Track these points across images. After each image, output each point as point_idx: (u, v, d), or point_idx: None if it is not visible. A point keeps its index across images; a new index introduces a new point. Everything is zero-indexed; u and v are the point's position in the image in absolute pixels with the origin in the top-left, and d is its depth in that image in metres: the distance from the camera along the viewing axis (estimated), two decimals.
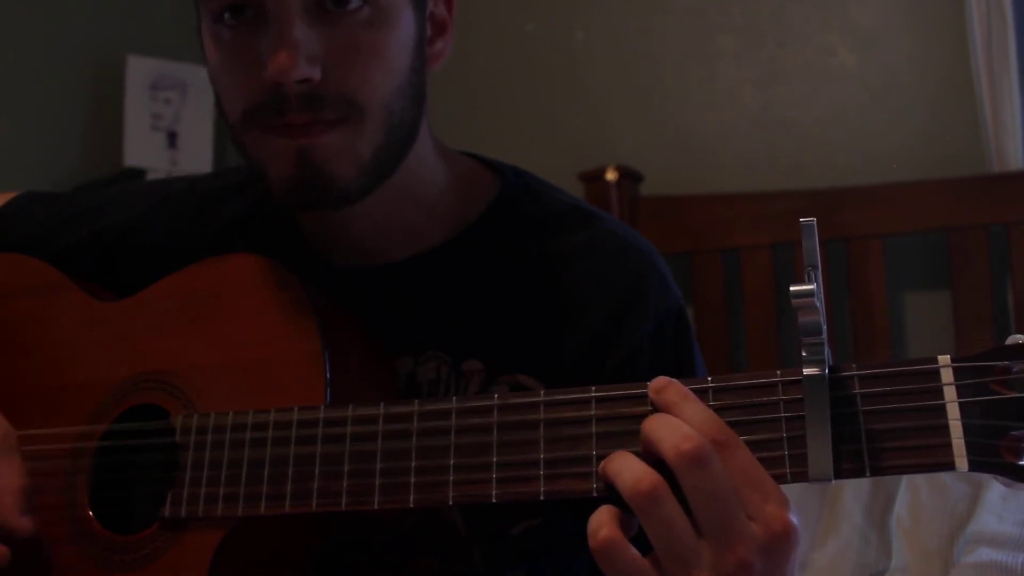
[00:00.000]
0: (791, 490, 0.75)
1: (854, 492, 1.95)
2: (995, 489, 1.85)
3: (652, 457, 0.73)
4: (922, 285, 2.36)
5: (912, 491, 1.91)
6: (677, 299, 1.06)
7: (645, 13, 2.64)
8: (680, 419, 0.73)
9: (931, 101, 2.38)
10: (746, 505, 0.72)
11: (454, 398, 0.84)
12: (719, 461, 0.71)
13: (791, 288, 0.70)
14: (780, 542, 0.72)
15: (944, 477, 1.91)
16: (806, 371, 0.73)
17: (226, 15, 0.93)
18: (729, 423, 0.74)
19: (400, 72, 0.95)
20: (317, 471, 0.86)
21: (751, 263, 2.39)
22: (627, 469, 0.73)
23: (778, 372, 0.75)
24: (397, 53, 0.95)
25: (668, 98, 2.62)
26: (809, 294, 0.70)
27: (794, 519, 0.73)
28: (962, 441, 0.69)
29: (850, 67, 2.46)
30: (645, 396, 0.77)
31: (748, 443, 0.74)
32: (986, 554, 1.75)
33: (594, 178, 2.48)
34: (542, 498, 0.79)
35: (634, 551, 0.72)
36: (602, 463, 0.75)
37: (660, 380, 0.76)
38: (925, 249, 2.33)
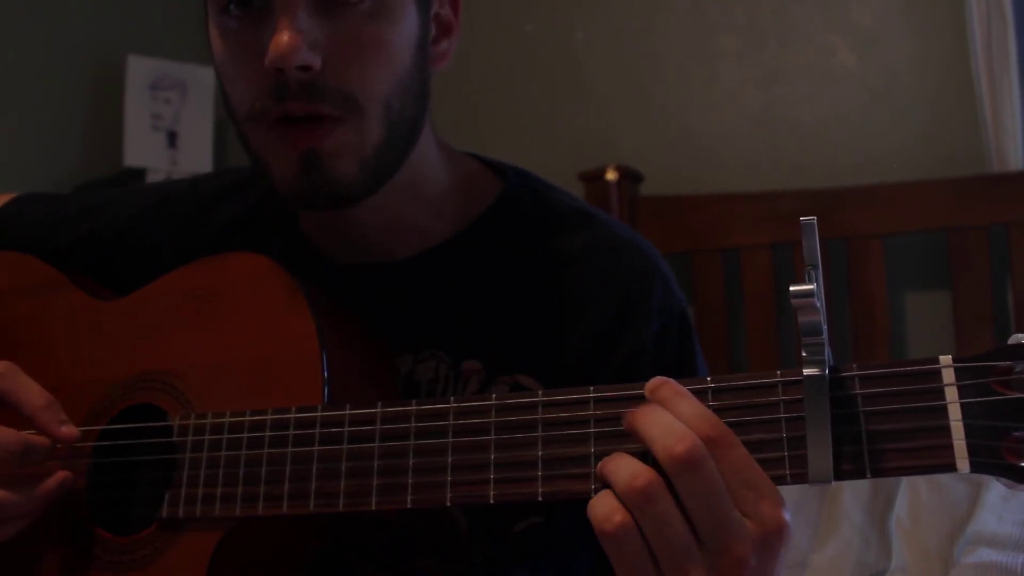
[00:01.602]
0: (791, 490, 0.75)
1: (854, 492, 1.95)
2: (995, 489, 1.85)
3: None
4: (922, 285, 2.36)
5: (912, 491, 1.91)
6: (680, 301, 1.06)
7: (646, 13, 2.64)
8: (673, 415, 0.73)
9: (931, 101, 2.38)
10: (741, 503, 0.72)
11: (452, 398, 0.84)
12: (712, 461, 0.71)
13: (791, 288, 0.70)
14: (773, 539, 0.72)
15: (944, 477, 1.91)
16: (806, 371, 0.73)
17: (232, 6, 0.94)
18: (728, 423, 0.74)
19: (401, 67, 0.95)
20: (314, 471, 0.86)
21: (751, 263, 2.39)
22: (623, 467, 0.73)
23: (778, 372, 0.75)
24: (398, 48, 0.95)
25: (669, 98, 2.61)
26: (809, 294, 0.70)
27: (787, 516, 0.73)
28: (963, 442, 0.69)
29: (851, 67, 2.46)
30: (644, 396, 0.76)
31: (747, 444, 0.74)
32: (986, 554, 1.75)
33: (594, 178, 2.48)
34: (540, 499, 0.78)
35: (643, 539, 0.72)
36: (599, 463, 0.75)
37: (656, 380, 0.76)
38: (925, 249, 2.33)
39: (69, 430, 0.95)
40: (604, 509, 0.72)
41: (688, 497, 0.71)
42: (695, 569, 0.71)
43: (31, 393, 0.95)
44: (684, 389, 0.75)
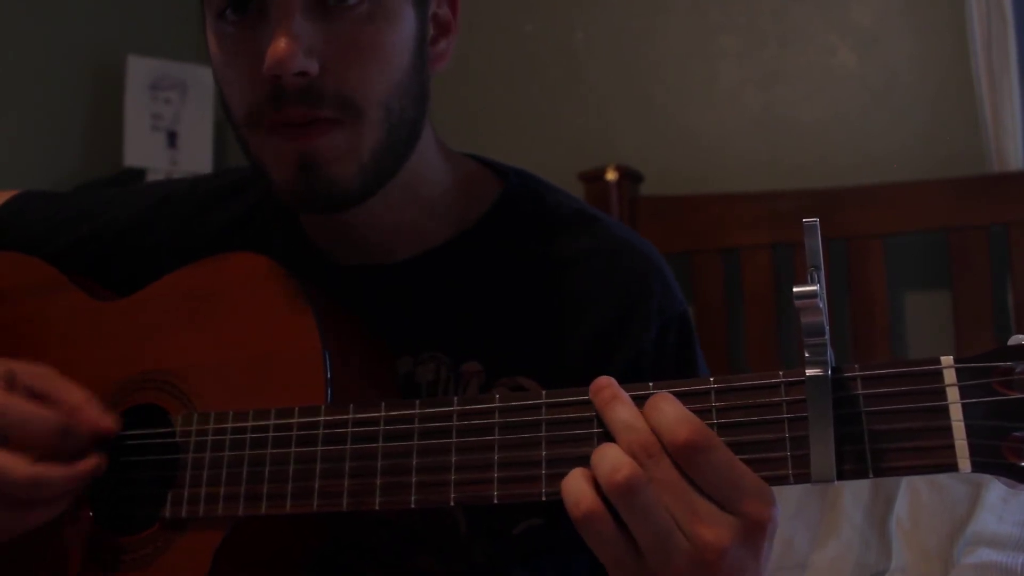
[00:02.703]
0: (792, 491, 0.75)
1: (854, 493, 1.95)
2: (995, 490, 1.85)
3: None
4: (922, 285, 2.36)
5: (912, 492, 1.91)
6: (681, 303, 1.06)
7: (646, 13, 2.64)
8: (616, 430, 0.76)
9: (931, 101, 2.38)
10: (724, 501, 0.73)
11: (455, 398, 0.84)
12: (666, 459, 0.74)
13: (794, 289, 0.70)
14: (756, 533, 0.73)
15: (944, 477, 1.91)
16: (809, 372, 0.73)
17: (228, 11, 0.94)
18: (731, 424, 0.75)
19: (399, 70, 0.95)
20: (318, 471, 0.86)
21: (751, 263, 2.39)
22: (606, 458, 0.74)
23: (781, 373, 0.75)
24: (396, 50, 0.95)
25: (669, 98, 2.62)
26: (812, 295, 0.70)
27: (773, 512, 0.74)
28: (965, 442, 0.69)
29: (851, 67, 2.46)
30: (647, 396, 0.77)
31: (750, 443, 0.75)
32: (986, 555, 1.75)
33: (594, 178, 2.48)
34: (543, 498, 0.79)
35: (617, 525, 0.74)
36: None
37: (601, 380, 0.79)
38: (925, 249, 2.33)
39: (111, 420, 0.96)
40: (574, 494, 0.75)
41: (661, 489, 0.73)
42: (678, 556, 0.73)
43: (72, 392, 0.96)
44: (672, 396, 0.76)
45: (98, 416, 0.95)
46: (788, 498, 1.92)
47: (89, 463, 0.93)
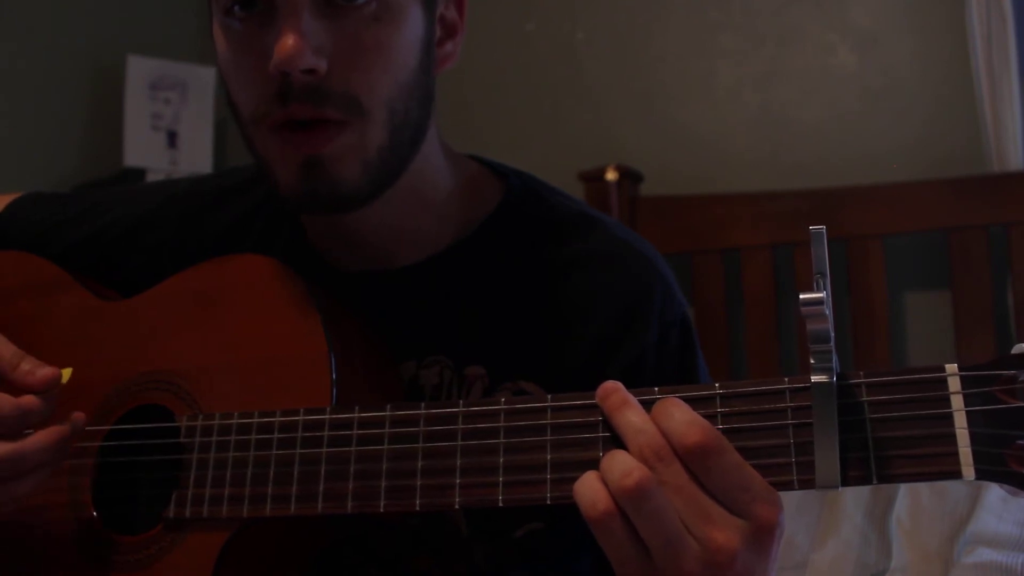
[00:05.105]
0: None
1: (854, 493, 1.95)
2: (995, 490, 1.86)
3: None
4: (922, 285, 2.36)
5: (912, 492, 1.92)
6: (682, 306, 1.06)
7: (645, 12, 2.64)
8: (625, 435, 0.76)
9: (931, 101, 2.38)
10: (732, 503, 0.74)
11: (460, 401, 0.84)
12: (676, 463, 0.74)
13: (800, 296, 0.70)
14: (764, 536, 0.74)
15: None
16: (814, 378, 0.73)
17: (236, 8, 0.93)
18: (736, 429, 0.75)
19: (405, 70, 0.95)
20: (323, 473, 0.86)
21: (751, 263, 2.39)
22: (616, 463, 0.74)
23: (786, 379, 0.76)
24: (403, 51, 0.95)
25: (668, 97, 2.62)
26: (819, 302, 0.70)
27: (781, 516, 0.74)
28: (969, 450, 0.69)
29: (850, 67, 2.47)
30: (651, 401, 0.77)
31: (755, 449, 0.75)
32: (986, 555, 1.76)
33: (594, 178, 2.48)
34: (548, 502, 0.79)
35: (630, 527, 0.74)
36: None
37: (607, 385, 0.79)
38: (925, 249, 2.33)
39: (45, 374, 0.94)
40: (589, 495, 0.75)
41: (671, 492, 0.74)
42: (688, 559, 0.73)
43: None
44: (680, 401, 0.77)
45: (30, 376, 0.93)
46: (789, 497, 1.91)
47: (64, 428, 0.92)
